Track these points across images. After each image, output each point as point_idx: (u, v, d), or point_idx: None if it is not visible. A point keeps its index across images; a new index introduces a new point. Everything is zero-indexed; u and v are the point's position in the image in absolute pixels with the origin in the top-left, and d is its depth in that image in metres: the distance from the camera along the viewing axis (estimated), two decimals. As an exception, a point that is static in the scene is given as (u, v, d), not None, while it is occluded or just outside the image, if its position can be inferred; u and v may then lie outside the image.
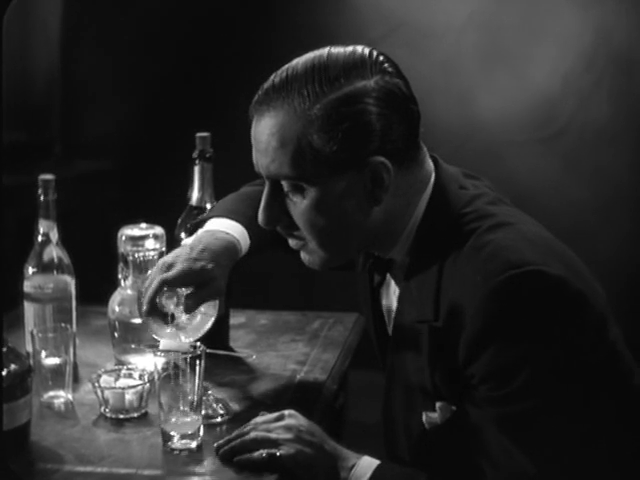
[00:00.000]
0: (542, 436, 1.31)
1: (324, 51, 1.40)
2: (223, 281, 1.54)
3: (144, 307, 1.50)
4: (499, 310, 1.31)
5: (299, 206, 1.41)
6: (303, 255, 1.48)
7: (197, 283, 1.51)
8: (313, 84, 1.37)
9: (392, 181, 1.39)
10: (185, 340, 1.51)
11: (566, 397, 1.31)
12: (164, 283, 1.49)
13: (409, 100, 1.41)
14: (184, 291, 1.50)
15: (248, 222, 1.60)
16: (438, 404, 1.41)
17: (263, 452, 1.42)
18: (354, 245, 1.47)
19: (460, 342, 1.34)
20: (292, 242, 1.48)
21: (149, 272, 1.55)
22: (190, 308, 1.50)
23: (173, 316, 1.51)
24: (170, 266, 1.50)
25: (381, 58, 1.40)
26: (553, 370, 1.30)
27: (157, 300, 1.49)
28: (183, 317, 1.51)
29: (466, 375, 1.35)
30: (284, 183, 1.41)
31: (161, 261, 1.53)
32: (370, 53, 1.40)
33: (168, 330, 1.51)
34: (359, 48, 1.41)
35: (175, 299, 1.50)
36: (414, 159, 1.43)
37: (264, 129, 1.40)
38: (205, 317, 1.53)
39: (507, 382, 1.31)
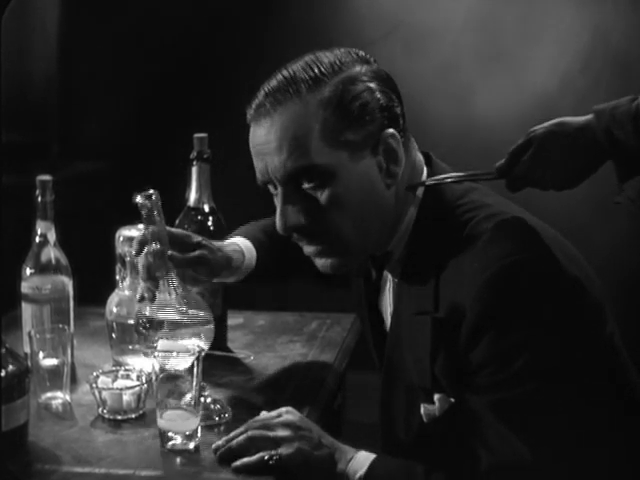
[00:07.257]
0: (539, 422, 1.32)
1: (310, 54, 1.44)
2: (213, 253, 1.56)
3: (135, 247, 1.53)
4: (497, 297, 1.32)
5: (321, 198, 1.40)
6: (319, 261, 1.47)
7: (182, 244, 1.54)
8: (314, 72, 1.40)
9: (402, 155, 1.42)
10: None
11: (564, 383, 1.32)
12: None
13: (397, 87, 1.46)
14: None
15: (257, 243, 1.67)
16: (436, 396, 1.41)
17: (265, 455, 1.40)
18: (374, 234, 1.45)
19: (461, 330, 1.35)
20: (308, 249, 1.47)
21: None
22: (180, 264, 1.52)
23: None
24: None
25: (363, 53, 1.46)
26: (551, 356, 1.31)
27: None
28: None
29: (466, 363, 1.36)
30: (303, 179, 1.40)
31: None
32: (354, 51, 1.46)
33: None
34: (342, 49, 1.46)
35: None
36: (409, 144, 1.47)
37: (272, 128, 1.40)
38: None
39: (505, 367, 1.32)
